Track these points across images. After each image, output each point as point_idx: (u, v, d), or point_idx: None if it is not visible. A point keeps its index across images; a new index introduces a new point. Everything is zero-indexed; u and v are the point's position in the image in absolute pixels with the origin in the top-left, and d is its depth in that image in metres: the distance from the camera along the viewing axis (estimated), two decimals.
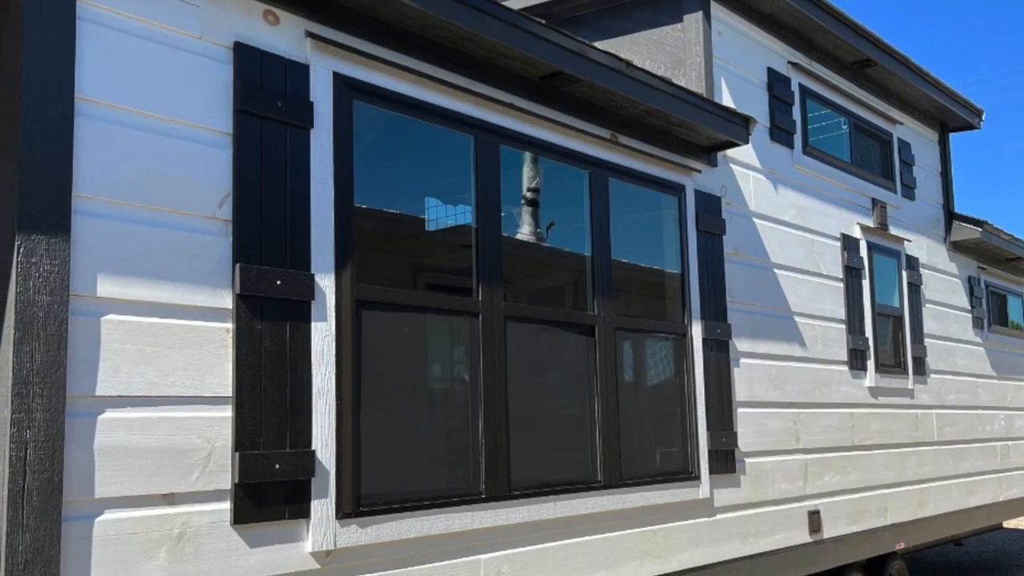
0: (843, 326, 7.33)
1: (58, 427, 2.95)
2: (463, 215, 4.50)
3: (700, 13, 6.32)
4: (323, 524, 3.64)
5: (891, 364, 7.96)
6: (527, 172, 4.95)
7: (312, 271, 3.72)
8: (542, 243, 5.07)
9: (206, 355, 3.38)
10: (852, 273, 7.53)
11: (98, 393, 3.09)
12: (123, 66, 3.26)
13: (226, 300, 3.46)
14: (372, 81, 4.06)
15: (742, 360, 6.15)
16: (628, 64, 5.15)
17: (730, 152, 6.32)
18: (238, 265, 3.48)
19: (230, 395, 3.43)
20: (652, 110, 5.38)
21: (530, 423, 4.60)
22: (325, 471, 3.67)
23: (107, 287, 3.14)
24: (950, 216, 9.60)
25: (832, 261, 7.33)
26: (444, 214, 4.58)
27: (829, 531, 6.76)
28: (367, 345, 3.92)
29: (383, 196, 4.25)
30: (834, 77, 7.80)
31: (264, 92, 3.64)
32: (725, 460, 5.83)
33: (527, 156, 4.89)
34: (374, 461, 3.88)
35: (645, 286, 5.70)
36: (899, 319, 8.22)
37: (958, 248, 9.67)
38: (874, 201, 8.08)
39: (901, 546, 7.72)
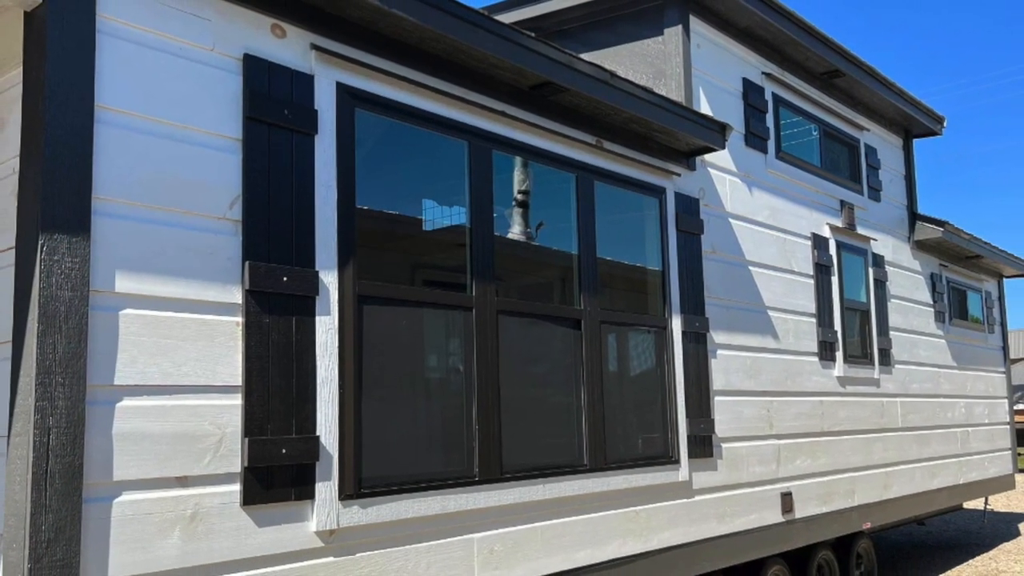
0: (813, 320, 7.36)
1: (79, 414, 2.95)
2: (458, 216, 4.51)
3: (680, 27, 6.34)
4: (327, 505, 3.65)
5: (858, 355, 8.00)
6: (518, 176, 4.96)
7: (316, 268, 3.73)
8: (532, 242, 5.08)
9: (217, 347, 3.39)
10: (822, 270, 7.57)
11: (116, 382, 3.09)
12: (140, 76, 3.27)
13: (236, 295, 3.48)
14: (373, 90, 4.08)
15: (719, 351, 6.18)
16: (612, 74, 5.17)
17: (708, 157, 6.34)
18: (247, 263, 3.49)
19: (240, 384, 3.44)
20: (635, 117, 5.40)
21: (521, 410, 4.62)
22: (329, 455, 3.68)
23: (125, 283, 3.15)
24: (913, 217, 9.64)
25: (803, 259, 7.36)
26: (440, 215, 4.59)
27: (800, 511, 6.80)
28: (368, 337, 3.94)
29: (383, 198, 4.26)
30: (805, 87, 7.83)
31: (271, 101, 3.65)
32: (703, 445, 5.85)
33: (518, 160, 4.90)
34: (374, 446, 3.90)
35: (628, 282, 5.72)
36: (866, 313, 8.26)
37: (921, 247, 9.71)
38: (842, 202, 8.11)
39: (868, 526, 7.76)
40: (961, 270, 10.71)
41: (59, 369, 2.92)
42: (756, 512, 6.31)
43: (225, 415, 3.39)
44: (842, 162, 8.42)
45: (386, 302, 4.06)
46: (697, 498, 5.78)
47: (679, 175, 5.99)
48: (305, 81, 3.80)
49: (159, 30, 3.35)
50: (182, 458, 3.25)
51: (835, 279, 7.74)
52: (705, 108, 6.44)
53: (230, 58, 3.57)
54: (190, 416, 3.28)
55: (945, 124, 10.15)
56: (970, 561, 9.97)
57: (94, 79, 3.11)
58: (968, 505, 11.36)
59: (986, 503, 11.95)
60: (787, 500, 6.64)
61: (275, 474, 3.50)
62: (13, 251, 3.10)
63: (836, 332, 7.60)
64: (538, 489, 4.62)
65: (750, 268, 6.66)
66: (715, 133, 6.01)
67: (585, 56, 5.45)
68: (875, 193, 8.87)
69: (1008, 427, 11.49)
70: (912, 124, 9.77)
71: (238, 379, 3.44)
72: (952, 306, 10.37)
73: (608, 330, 5.27)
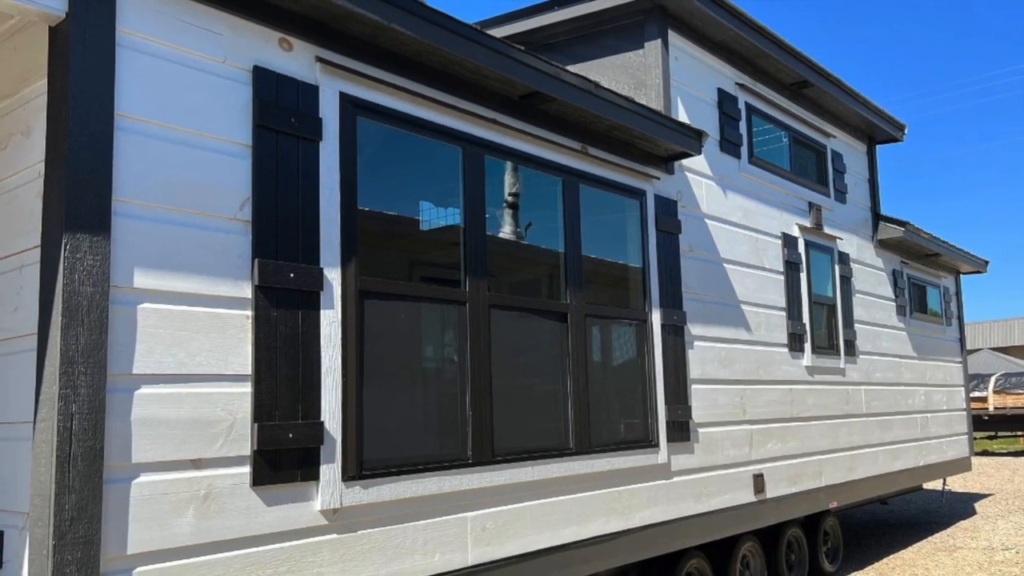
0: (783, 313, 7.40)
1: (100, 401, 2.97)
2: (452, 216, 4.53)
3: (659, 41, 6.37)
4: (331, 486, 3.68)
5: (825, 346, 8.04)
6: (508, 179, 4.98)
7: (321, 265, 3.75)
8: (521, 241, 5.10)
9: (229, 338, 3.41)
10: (791, 267, 7.61)
11: (135, 372, 3.11)
12: (156, 86, 3.28)
13: (246, 290, 3.49)
14: (373, 100, 4.09)
15: (696, 343, 6.21)
16: (596, 85, 5.19)
17: (685, 161, 6.37)
18: (256, 260, 3.51)
19: (250, 373, 3.46)
20: (617, 125, 5.42)
21: (511, 398, 4.64)
22: (332, 439, 3.71)
23: (143, 279, 3.16)
24: (877, 217, 9.69)
25: (774, 256, 7.40)
26: (436, 216, 4.60)
27: (771, 492, 6.84)
28: (369, 330, 3.95)
29: (383, 200, 4.27)
30: (776, 96, 7.86)
31: (279, 109, 3.67)
32: (681, 430, 5.89)
33: (508, 165, 4.92)
34: (375, 431, 3.92)
35: (611, 278, 5.74)
36: (832, 307, 8.30)
37: (884, 245, 9.76)
38: (810, 204, 8.15)
39: (834, 505, 7.81)
40: (921, 267, 10.77)
41: (81, 359, 2.94)
42: (730, 492, 6.35)
43: (236, 402, 3.41)
44: (810, 166, 8.46)
45: (386, 297, 4.07)
46: (675, 479, 5.81)
47: (658, 179, 6.02)
48: (310, 91, 3.82)
49: (174, 43, 3.37)
50: (196, 442, 3.27)
51: (804, 275, 7.78)
52: (683, 116, 6.46)
53: (240, 70, 3.58)
54: (203, 403, 3.30)
55: (906, 131, 10.20)
56: (929, 538, 10.04)
57: (114, 89, 3.13)
58: (928, 486, 11.43)
59: (944, 484, 12.03)
60: (759, 481, 6.68)
61: (282, 457, 3.52)
62: (39, 249, 3.11)
63: (805, 325, 7.64)
64: (527, 471, 4.65)
65: (724, 265, 6.69)
66: (692, 140, 6.04)
67: (571, 68, 5.47)
68: (841, 195, 8.92)
69: (965, 413, 11.56)
70: (875, 131, 9.82)
71: (248, 368, 3.46)
72: (913, 300, 10.43)
73: (592, 323, 5.29)
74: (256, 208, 3.54)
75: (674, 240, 6.08)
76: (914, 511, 12.36)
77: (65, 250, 2.94)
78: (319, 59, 3.87)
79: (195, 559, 3.22)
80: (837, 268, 8.47)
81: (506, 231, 4.97)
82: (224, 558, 3.31)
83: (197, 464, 3.27)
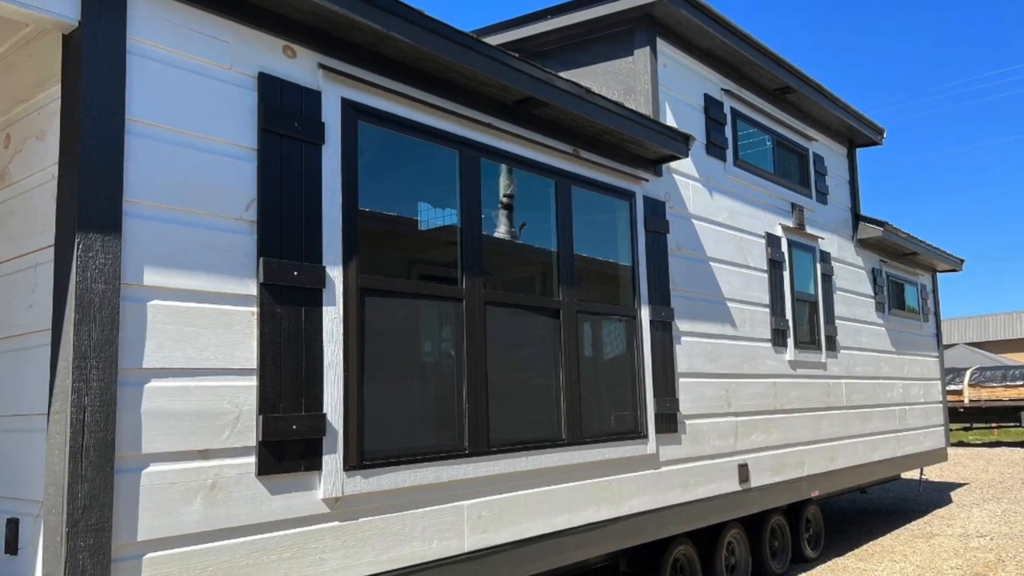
0: (767, 310, 7.42)
1: (111, 394, 2.99)
2: (450, 217, 4.54)
3: (648, 48, 6.39)
4: (333, 475, 3.69)
5: (807, 341, 8.07)
6: (503, 181, 4.99)
7: (323, 264, 3.76)
8: (516, 241, 5.11)
9: (235, 334, 3.43)
10: (775, 265, 7.63)
11: (144, 366, 3.13)
12: (165, 92, 3.29)
13: (251, 288, 3.50)
14: (374, 105, 4.11)
15: (683, 338, 6.23)
16: (588, 91, 5.20)
17: (673, 164, 6.38)
18: (261, 259, 3.53)
19: (255, 367, 3.47)
20: (608, 129, 5.44)
21: (506, 390, 4.66)
22: (334, 431, 3.72)
23: (152, 277, 3.18)
24: (856, 218, 9.71)
25: (758, 255, 7.42)
26: (434, 216, 4.61)
27: (756, 481, 6.87)
28: (369, 326, 3.97)
29: (383, 201, 4.28)
30: (760, 101, 7.88)
31: (283, 114, 3.68)
32: (669, 422, 5.91)
33: (503, 168, 4.93)
34: (375, 422, 3.94)
35: (602, 276, 5.75)
36: (814, 304, 8.33)
37: (863, 244, 9.79)
38: (793, 205, 8.18)
39: (816, 494, 7.84)
40: (899, 265, 10.81)
41: (93, 354, 2.96)
42: (716, 482, 6.37)
43: (242, 395, 3.42)
44: (793, 169, 8.48)
45: (385, 294, 4.09)
46: (663, 469, 5.84)
47: (647, 180, 6.04)
48: (313, 97, 3.83)
49: (183, 51, 3.38)
50: (203, 433, 3.28)
51: (786, 273, 7.80)
52: (671, 121, 6.48)
53: (246, 76, 3.59)
54: (210, 396, 3.32)
55: (885, 135, 10.23)
56: (907, 525, 10.08)
57: (125, 94, 3.14)
58: (905, 475, 11.48)
59: (921, 474, 12.09)
60: (744, 471, 6.70)
61: (286, 448, 3.53)
62: (52, 248, 3.13)
63: (787, 321, 7.67)
64: (521, 461, 4.67)
65: (711, 264, 6.71)
66: (679, 143, 6.05)
67: (563, 74, 5.49)
68: (822, 196, 8.94)
69: (941, 405, 11.62)
70: (856, 135, 9.85)
71: (253, 363, 3.47)
72: (891, 297, 10.46)
73: (584, 319, 5.31)
74: (261, 209, 3.55)
75: (662, 239, 6.10)
76: (892, 500, 12.41)
77: (78, 249, 2.95)
78: (322, 66, 3.88)
79: (203, 546, 3.24)
80: (819, 266, 8.50)
81: (501, 231, 4.98)
82: (230, 545, 3.33)
83: (204, 455, 3.28)
